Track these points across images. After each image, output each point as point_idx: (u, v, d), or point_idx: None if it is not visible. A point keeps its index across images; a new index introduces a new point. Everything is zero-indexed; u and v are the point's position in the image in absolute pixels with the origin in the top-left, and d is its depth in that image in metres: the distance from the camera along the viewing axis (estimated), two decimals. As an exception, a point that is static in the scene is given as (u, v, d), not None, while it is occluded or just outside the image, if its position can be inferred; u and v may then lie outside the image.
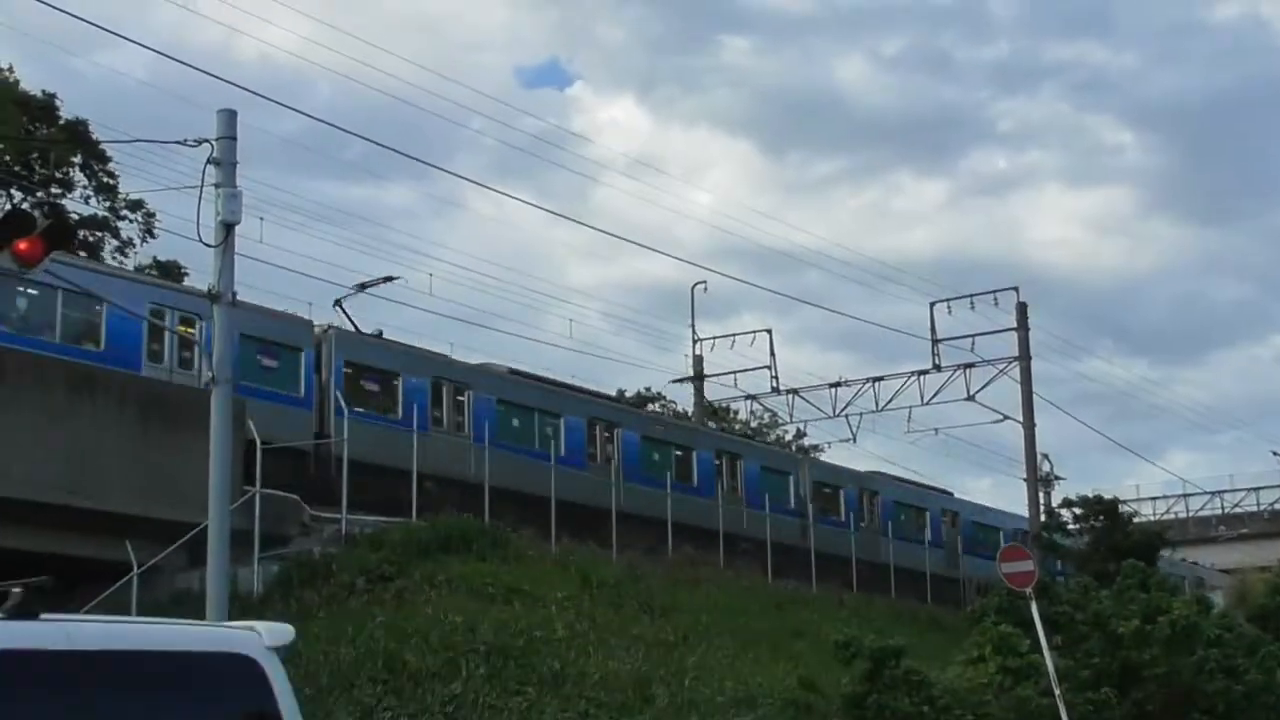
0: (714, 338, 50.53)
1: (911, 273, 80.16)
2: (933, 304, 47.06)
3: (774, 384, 49.87)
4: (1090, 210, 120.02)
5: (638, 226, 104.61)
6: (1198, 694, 23.64)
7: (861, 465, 47.55)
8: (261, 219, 31.55)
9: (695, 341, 50.33)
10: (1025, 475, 44.94)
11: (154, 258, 39.85)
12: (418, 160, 55.41)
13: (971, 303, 45.77)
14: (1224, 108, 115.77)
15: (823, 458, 53.15)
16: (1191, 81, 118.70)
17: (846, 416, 48.70)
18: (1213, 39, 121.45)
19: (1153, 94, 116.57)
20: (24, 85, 38.41)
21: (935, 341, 46.94)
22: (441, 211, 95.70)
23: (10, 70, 38.69)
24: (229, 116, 14.40)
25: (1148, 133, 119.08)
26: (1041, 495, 47.44)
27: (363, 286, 33.08)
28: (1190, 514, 69.03)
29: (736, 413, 56.23)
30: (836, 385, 49.07)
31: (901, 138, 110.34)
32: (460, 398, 31.58)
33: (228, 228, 14.20)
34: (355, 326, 31.71)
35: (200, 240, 14.13)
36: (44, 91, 38.49)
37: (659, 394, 59.62)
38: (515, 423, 32.75)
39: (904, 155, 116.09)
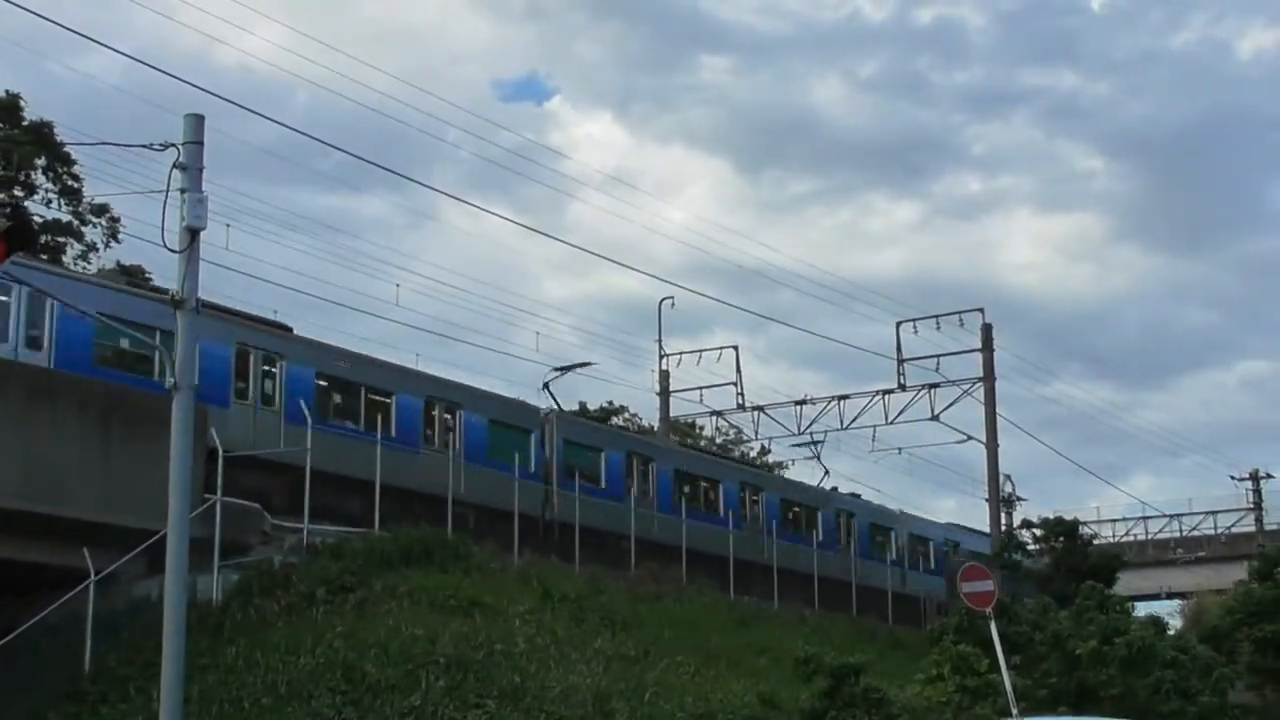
0: (681, 353, 50.74)
1: (881, 293, 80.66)
2: (899, 324, 47.39)
3: (739, 400, 50.09)
4: (1060, 235, 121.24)
5: (611, 242, 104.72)
6: (1153, 714, 23.87)
7: (824, 483, 47.70)
8: (228, 225, 31.49)
9: (662, 357, 50.50)
10: (988, 496, 45.26)
11: (118, 262, 39.53)
12: (393, 172, 55.75)
13: (937, 323, 46.12)
14: (1193, 136, 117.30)
15: (788, 474, 53.31)
16: (1161, 109, 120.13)
17: (811, 434, 48.95)
18: (1177, 66, 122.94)
19: (1123, 121, 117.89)
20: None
21: (901, 361, 47.23)
22: (416, 223, 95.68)
23: (-31, 69, 38.21)
24: (196, 121, 14.30)
25: (1118, 160, 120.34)
26: (1003, 516, 47.79)
27: (563, 370, 39.52)
28: (1149, 536, 69.31)
29: (702, 428, 56.36)
30: (801, 403, 49.34)
31: (876, 159, 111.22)
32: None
33: (192, 233, 14.10)
34: (558, 404, 37.15)
35: (165, 245, 14.04)
36: (8, 92, 37.96)
37: (623, 407, 59.74)
38: None
39: (878, 177, 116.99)
